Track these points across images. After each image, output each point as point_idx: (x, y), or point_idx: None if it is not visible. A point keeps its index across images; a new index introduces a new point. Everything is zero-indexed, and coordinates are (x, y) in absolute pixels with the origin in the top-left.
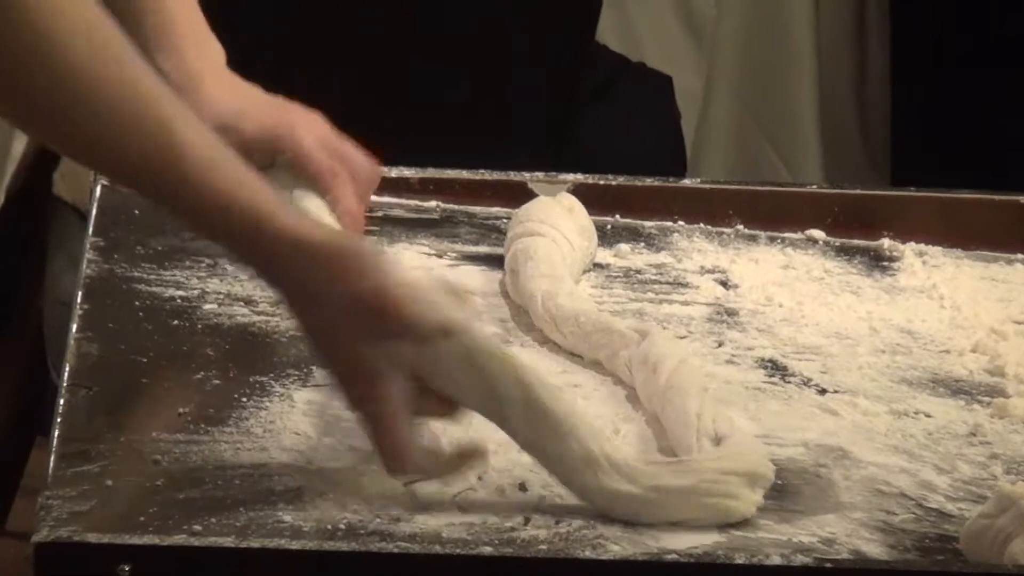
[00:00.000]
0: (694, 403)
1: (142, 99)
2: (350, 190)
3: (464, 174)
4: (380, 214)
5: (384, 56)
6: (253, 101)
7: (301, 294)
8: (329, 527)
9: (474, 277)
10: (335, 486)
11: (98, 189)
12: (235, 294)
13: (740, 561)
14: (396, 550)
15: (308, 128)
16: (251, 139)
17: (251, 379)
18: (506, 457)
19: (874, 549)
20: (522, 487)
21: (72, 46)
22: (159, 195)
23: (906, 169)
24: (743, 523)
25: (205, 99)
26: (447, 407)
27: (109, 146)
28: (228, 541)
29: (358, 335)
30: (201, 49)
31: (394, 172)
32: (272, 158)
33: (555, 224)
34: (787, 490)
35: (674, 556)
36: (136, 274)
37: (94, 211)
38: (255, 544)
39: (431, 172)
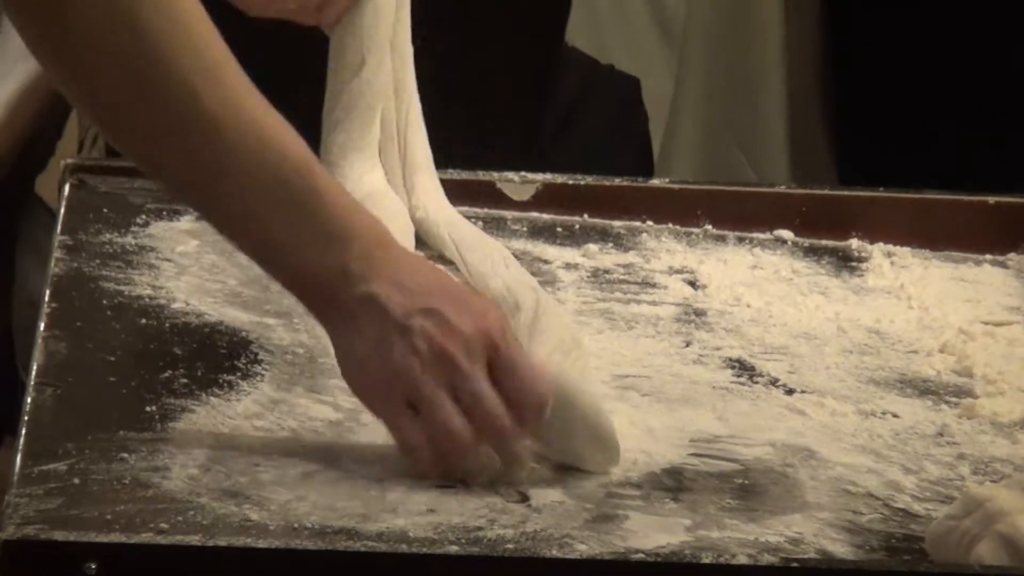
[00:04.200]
0: None
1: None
2: None
3: None
4: None
5: None
6: None
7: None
8: (296, 526)
9: None
10: (302, 484)
11: (67, 188)
12: (204, 289)
13: (707, 560)
14: (363, 548)
15: None
16: None
17: (219, 378)
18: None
19: (840, 549)
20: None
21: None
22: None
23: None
24: (710, 523)
25: None
26: None
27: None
28: (194, 539)
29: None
30: None
31: None
32: None
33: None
34: (754, 490)
35: (641, 556)
36: (104, 272)
37: (63, 209)
38: (221, 542)
39: None
